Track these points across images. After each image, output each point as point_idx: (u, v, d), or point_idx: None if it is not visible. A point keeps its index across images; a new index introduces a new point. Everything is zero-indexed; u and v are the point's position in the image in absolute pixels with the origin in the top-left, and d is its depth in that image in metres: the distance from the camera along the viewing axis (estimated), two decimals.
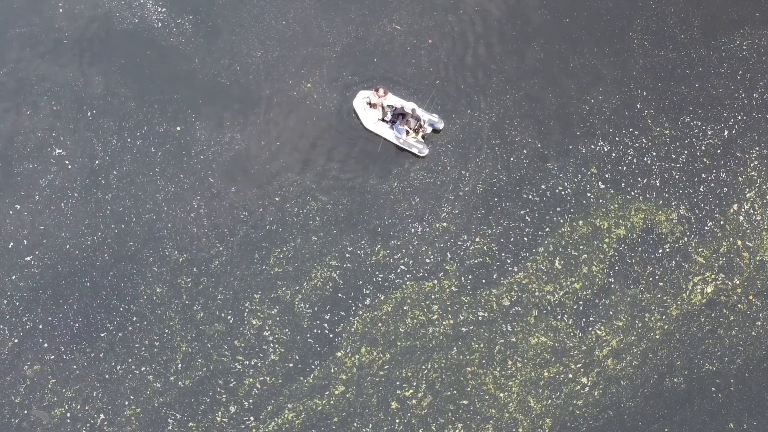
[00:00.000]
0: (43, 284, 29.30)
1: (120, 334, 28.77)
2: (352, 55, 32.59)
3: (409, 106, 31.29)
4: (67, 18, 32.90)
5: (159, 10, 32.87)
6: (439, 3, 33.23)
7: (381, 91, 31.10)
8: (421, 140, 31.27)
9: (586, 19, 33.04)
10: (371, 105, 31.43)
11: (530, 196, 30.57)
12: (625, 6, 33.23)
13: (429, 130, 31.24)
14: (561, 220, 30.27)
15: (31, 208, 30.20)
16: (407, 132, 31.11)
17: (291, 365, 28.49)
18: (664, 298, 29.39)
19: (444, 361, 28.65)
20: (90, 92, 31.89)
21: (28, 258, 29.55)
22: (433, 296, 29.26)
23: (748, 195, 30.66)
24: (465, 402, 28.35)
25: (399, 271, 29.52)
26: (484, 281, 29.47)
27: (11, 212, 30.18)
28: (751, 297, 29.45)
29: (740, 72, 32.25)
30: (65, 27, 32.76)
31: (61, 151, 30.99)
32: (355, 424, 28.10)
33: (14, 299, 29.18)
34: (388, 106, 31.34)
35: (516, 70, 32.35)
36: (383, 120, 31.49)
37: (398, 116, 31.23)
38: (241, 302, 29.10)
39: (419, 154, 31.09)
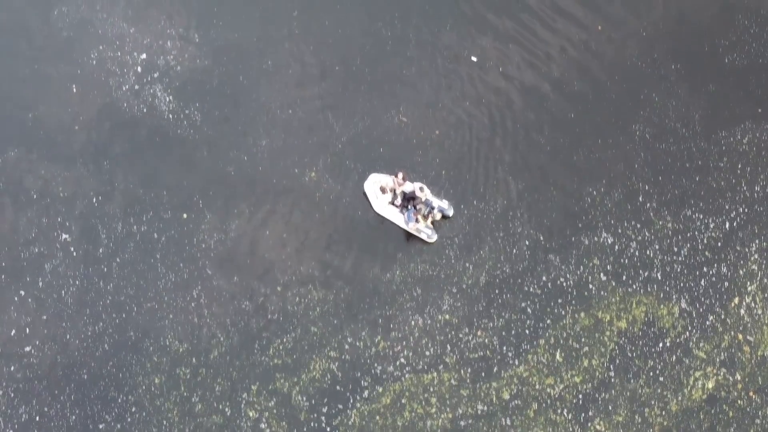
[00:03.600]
0: (40, 375, 29.35)
1: (118, 426, 28.74)
2: (359, 145, 32.81)
3: (416, 186, 31.36)
4: (79, 103, 33.33)
5: (168, 99, 33.29)
6: (445, 97, 33.53)
7: (400, 177, 31.29)
8: (430, 226, 31.40)
9: (590, 113, 33.27)
10: (382, 190, 31.59)
11: (531, 288, 30.58)
12: (627, 100, 33.48)
13: (438, 216, 31.41)
14: (562, 312, 30.24)
15: (36, 294, 30.40)
16: (417, 219, 31.25)
17: None
18: (665, 393, 29.22)
19: None
20: (98, 178, 32.23)
21: (28, 348, 29.67)
22: (432, 389, 29.19)
23: (749, 288, 30.58)
24: None
25: (398, 363, 29.49)
26: (483, 374, 29.39)
27: (16, 298, 30.40)
28: (751, 393, 29.25)
29: (740, 165, 32.32)
30: (77, 112, 33.18)
31: (66, 236, 31.27)
32: None
33: (10, 390, 29.22)
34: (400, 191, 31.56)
35: (520, 162, 32.52)
36: (393, 204, 31.66)
37: (408, 200, 31.36)
38: (239, 393, 29.07)
39: (428, 240, 31.21)
